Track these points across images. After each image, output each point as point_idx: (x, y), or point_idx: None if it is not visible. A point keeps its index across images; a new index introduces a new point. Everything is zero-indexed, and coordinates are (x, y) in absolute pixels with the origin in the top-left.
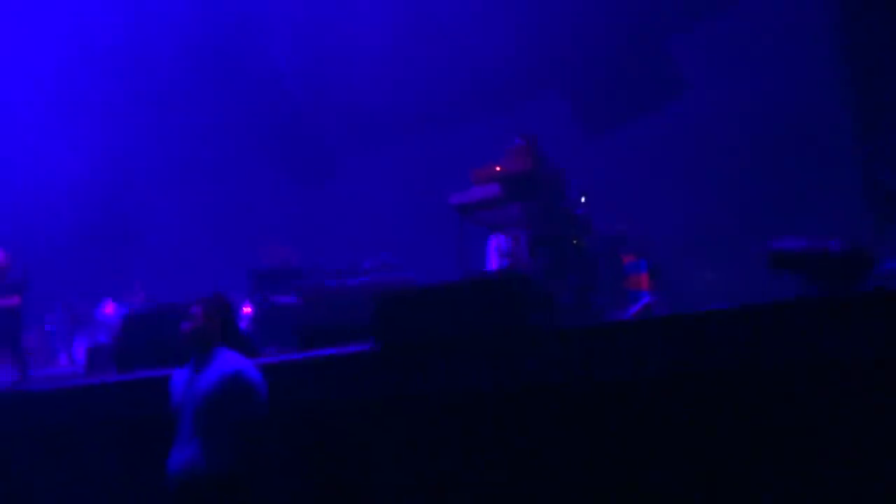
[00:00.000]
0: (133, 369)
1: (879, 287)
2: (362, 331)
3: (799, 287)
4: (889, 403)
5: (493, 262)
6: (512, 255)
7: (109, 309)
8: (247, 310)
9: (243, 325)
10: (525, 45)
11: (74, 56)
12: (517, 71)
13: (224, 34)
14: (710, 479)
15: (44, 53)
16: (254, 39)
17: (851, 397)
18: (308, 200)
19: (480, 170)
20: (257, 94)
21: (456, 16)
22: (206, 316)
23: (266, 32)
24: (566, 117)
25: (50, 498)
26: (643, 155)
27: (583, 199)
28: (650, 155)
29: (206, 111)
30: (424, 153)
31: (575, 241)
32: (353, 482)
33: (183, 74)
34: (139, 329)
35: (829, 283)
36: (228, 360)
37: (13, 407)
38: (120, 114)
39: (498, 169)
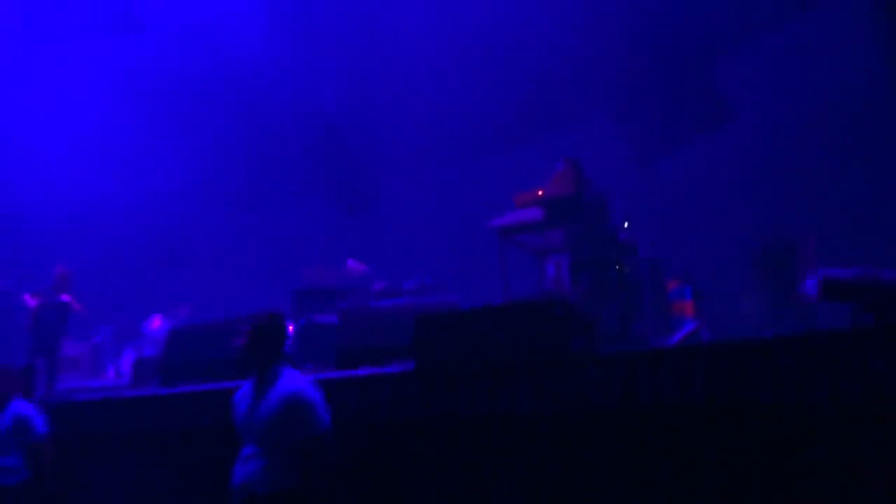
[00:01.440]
0: (176, 383)
1: None
2: (402, 352)
3: (851, 317)
4: None
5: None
6: (554, 280)
7: (157, 323)
8: (289, 328)
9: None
10: (569, 69)
11: (138, 86)
12: (561, 95)
13: (273, 67)
14: None
15: (111, 82)
16: (301, 72)
17: None
18: (352, 225)
19: (523, 194)
20: (303, 123)
21: (500, 38)
22: (259, 333)
23: (312, 64)
24: (613, 141)
25: (94, 500)
26: (691, 178)
27: (626, 224)
28: (698, 178)
29: (253, 139)
30: (468, 177)
31: (618, 266)
32: (391, 501)
33: (235, 107)
34: (183, 344)
35: (882, 312)
36: (290, 379)
37: (60, 415)
38: (173, 142)
39: (540, 193)
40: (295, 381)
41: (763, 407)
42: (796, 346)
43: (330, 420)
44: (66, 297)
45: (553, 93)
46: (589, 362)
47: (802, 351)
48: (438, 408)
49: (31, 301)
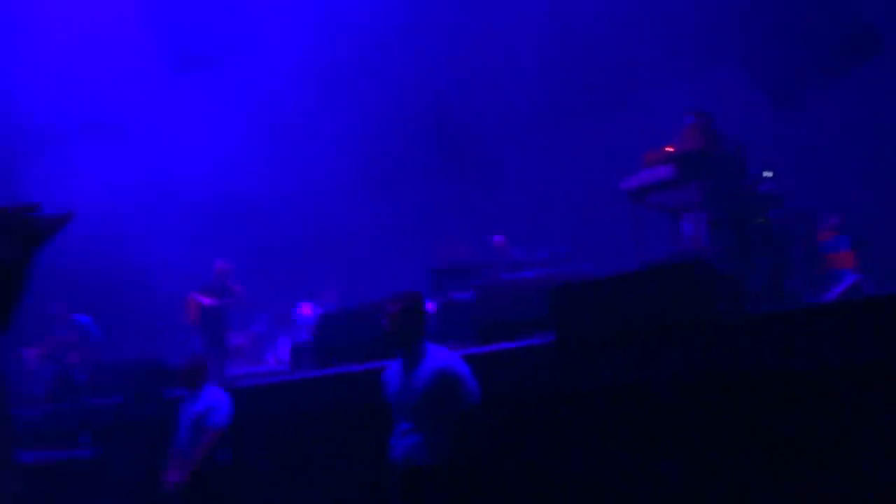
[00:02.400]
0: (331, 364)
1: None
2: (540, 323)
3: None
4: None
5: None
6: (692, 240)
7: (306, 310)
8: (429, 307)
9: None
10: (691, 13)
11: (275, 74)
12: (687, 44)
13: (391, 49)
14: None
15: (254, 76)
16: (412, 50)
17: None
18: (480, 199)
19: (652, 152)
20: (424, 104)
21: None
22: (403, 313)
23: (423, 42)
24: (746, 87)
25: (264, 479)
26: (840, 118)
27: (767, 174)
28: (848, 117)
29: (378, 123)
30: (593, 140)
31: (761, 220)
32: (538, 474)
33: (362, 92)
34: (333, 328)
35: None
36: (439, 355)
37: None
38: (314, 131)
39: (671, 149)
40: (444, 356)
41: None
42: None
43: (479, 395)
44: (229, 293)
45: (676, 41)
46: (737, 325)
47: None
48: (581, 378)
49: (201, 300)
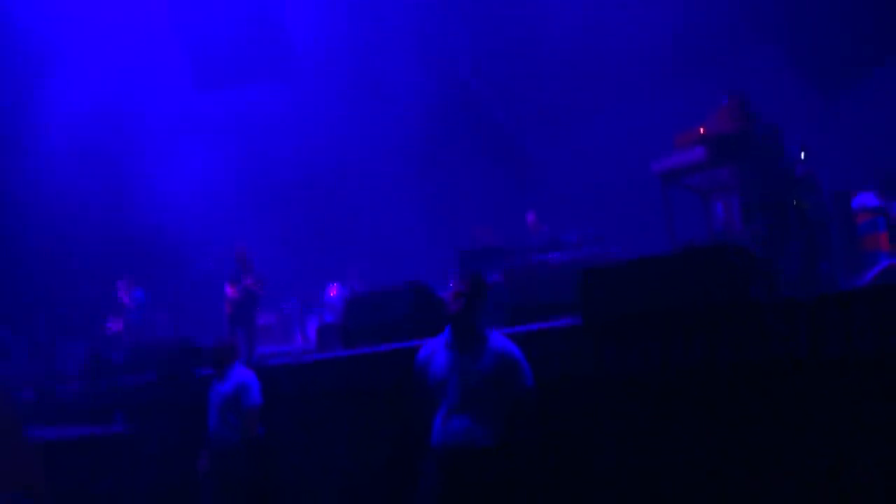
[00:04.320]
0: (357, 345)
1: None
2: (568, 306)
3: None
4: None
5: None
6: (725, 223)
7: (334, 291)
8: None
9: None
10: None
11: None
12: (724, 26)
13: (418, 36)
14: None
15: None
16: (438, 37)
17: None
18: (511, 182)
19: (684, 133)
20: (457, 88)
21: None
22: (473, 294)
23: (459, 30)
24: (786, 70)
25: (290, 457)
26: (882, 104)
27: (803, 156)
28: (888, 104)
29: (416, 109)
30: (624, 122)
31: (796, 203)
32: (568, 457)
33: (396, 75)
34: (360, 309)
35: None
36: (499, 339)
37: (260, 378)
38: (346, 118)
39: (702, 131)
40: (503, 340)
41: None
42: None
43: (534, 381)
44: (249, 280)
45: (711, 23)
46: (770, 309)
47: None
48: (610, 361)
49: (229, 291)
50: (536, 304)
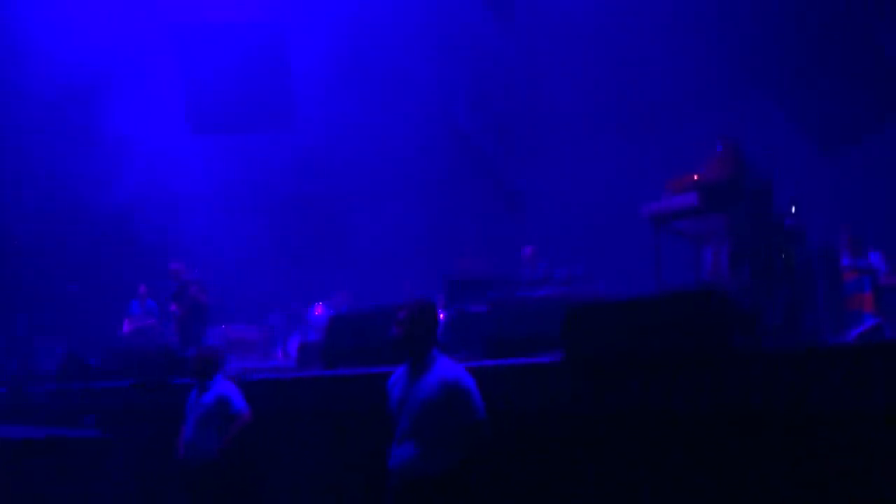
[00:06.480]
0: (337, 366)
1: None
2: (550, 342)
3: None
4: None
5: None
6: (712, 269)
7: (319, 310)
8: (440, 316)
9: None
10: (734, 41)
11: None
12: (720, 72)
13: (421, 65)
14: None
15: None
16: (445, 67)
17: None
18: (503, 214)
19: (677, 179)
20: (451, 118)
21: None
22: (414, 321)
23: (454, 60)
24: (784, 122)
25: (264, 472)
26: (878, 166)
27: (793, 209)
28: (885, 167)
29: (412, 135)
30: (619, 162)
31: (783, 255)
32: (534, 492)
33: (394, 109)
34: (343, 330)
35: None
36: (446, 367)
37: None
38: (341, 139)
39: (696, 177)
40: (451, 368)
41: None
42: None
43: (484, 409)
44: (192, 290)
45: (710, 70)
46: (751, 359)
47: None
48: (588, 399)
49: (174, 308)
50: (519, 337)
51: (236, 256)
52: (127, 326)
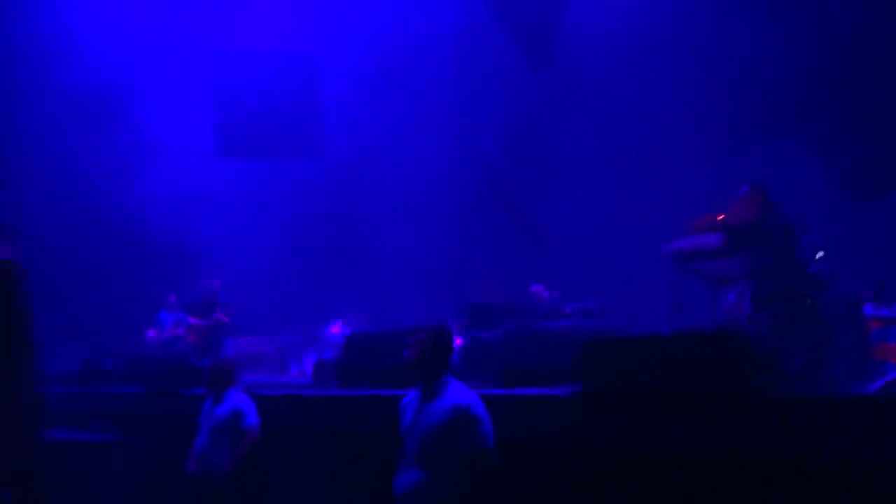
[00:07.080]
0: (352, 385)
1: None
2: (563, 375)
3: None
4: None
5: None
6: (732, 312)
7: (336, 329)
8: (456, 342)
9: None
10: (766, 86)
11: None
12: (751, 117)
13: (448, 97)
14: None
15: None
16: (469, 100)
17: None
18: (525, 244)
19: (700, 219)
20: (476, 147)
21: (677, 45)
22: (428, 345)
23: (479, 93)
24: (806, 167)
25: (273, 488)
26: None
27: (819, 255)
28: None
29: (433, 167)
30: (644, 199)
31: (807, 300)
32: None
33: (420, 140)
34: (359, 350)
35: None
36: (458, 392)
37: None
38: (366, 162)
39: (720, 218)
40: (464, 394)
41: None
42: None
43: (493, 439)
44: (218, 313)
45: (737, 111)
46: (769, 403)
47: None
48: (602, 434)
49: (193, 321)
50: (531, 368)
51: (259, 269)
52: (154, 335)
